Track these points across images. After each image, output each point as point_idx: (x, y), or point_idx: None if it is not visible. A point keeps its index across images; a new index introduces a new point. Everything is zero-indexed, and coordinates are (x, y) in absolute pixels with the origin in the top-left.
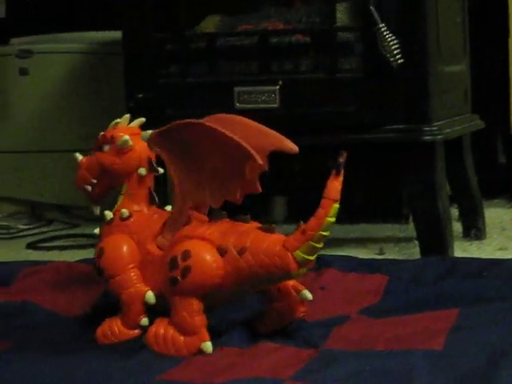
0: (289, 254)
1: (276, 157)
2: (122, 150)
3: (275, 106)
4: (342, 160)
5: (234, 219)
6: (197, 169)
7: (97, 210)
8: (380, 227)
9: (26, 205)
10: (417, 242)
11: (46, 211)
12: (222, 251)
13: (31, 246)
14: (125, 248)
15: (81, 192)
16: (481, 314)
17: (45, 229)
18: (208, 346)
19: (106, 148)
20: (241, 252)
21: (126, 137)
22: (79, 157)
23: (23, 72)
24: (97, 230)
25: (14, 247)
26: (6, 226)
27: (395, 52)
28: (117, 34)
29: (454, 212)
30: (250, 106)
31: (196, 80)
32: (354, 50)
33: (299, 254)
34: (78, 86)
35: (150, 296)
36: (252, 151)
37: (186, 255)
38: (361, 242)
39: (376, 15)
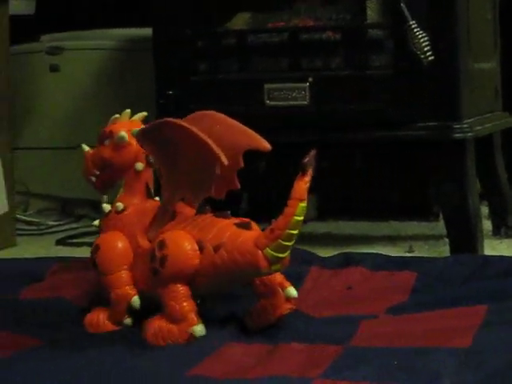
0: (259, 251)
1: (305, 155)
2: (120, 144)
3: (305, 103)
4: (306, 160)
5: (216, 214)
6: (178, 165)
7: (104, 200)
8: (409, 225)
9: (56, 201)
10: (446, 240)
11: (75, 207)
12: (200, 247)
13: (61, 242)
14: (119, 248)
15: (87, 182)
16: (509, 311)
17: (75, 225)
18: (197, 329)
19: (107, 142)
20: (216, 248)
21: (123, 133)
22: (85, 148)
23: (53, 68)
24: (96, 222)
25: (43, 243)
26: (36, 222)
27: (426, 49)
28: (147, 31)
29: (484, 210)
30: (280, 103)
31: (226, 77)
32: (384, 47)
33: (269, 251)
34: (108, 83)
35: (136, 301)
36: (217, 151)
37: (162, 245)
38: (390, 239)
39: (407, 12)
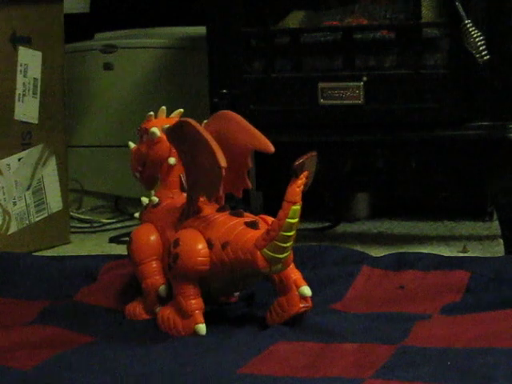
0: (258, 251)
1: (359, 154)
2: (153, 140)
3: (359, 102)
4: (297, 164)
5: (231, 213)
6: (195, 164)
7: (152, 195)
8: (464, 225)
9: (110, 199)
10: (501, 241)
11: (128, 205)
12: (209, 244)
13: (114, 239)
14: (150, 240)
15: (135, 178)
16: None
17: (128, 223)
18: (201, 328)
19: (144, 138)
20: (224, 246)
21: (154, 128)
22: (131, 145)
23: (107, 67)
24: (137, 214)
25: (97, 241)
26: (89, 220)
27: (481, 48)
28: (201, 29)
29: None
30: (333, 101)
31: (280, 75)
32: (439, 46)
33: (266, 252)
34: (162, 81)
35: (162, 290)
36: (216, 153)
37: (176, 243)
38: (444, 239)
39: (462, 11)
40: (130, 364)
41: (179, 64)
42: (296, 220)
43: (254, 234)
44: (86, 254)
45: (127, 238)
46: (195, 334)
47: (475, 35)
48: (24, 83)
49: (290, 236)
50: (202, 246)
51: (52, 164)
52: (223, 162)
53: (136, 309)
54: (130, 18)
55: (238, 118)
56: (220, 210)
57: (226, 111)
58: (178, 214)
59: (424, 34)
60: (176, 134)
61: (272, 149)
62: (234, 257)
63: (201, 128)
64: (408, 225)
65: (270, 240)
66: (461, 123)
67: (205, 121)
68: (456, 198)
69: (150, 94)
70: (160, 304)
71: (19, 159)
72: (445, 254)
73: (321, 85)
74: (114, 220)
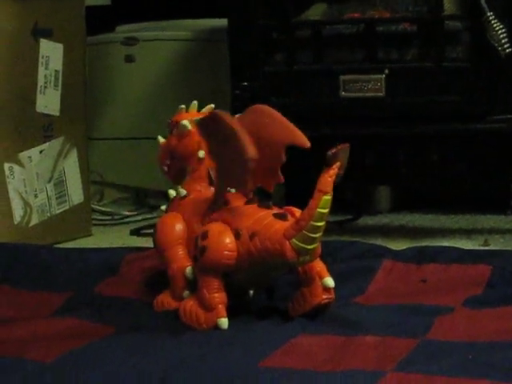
0: (287, 241)
1: (380, 146)
2: (183, 133)
3: (381, 94)
4: (331, 153)
5: (259, 205)
6: (223, 157)
7: (179, 190)
8: (485, 218)
9: (131, 191)
10: None
11: (150, 197)
12: (237, 234)
13: (135, 232)
14: (175, 226)
15: (163, 173)
16: None
17: (149, 215)
18: (223, 322)
19: (174, 132)
20: (252, 236)
21: (185, 121)
22: (160, 139)
23: (129, 59)
24: (163, 207)
25: (118, 233)
26: (110, 212)
27: (503, 41)
28: (222, 22)
29: None
30: (355, 94)
31: (301, 68)
32: (461, 39)
33: (295, 242)
34: (183, 73)
35: (189, 271)
36: (244, 144)
37: (204, 236)
38: (465, 233)
39: (484, 4)
40: (152, 356)
41: (200, 56)
42: (327, 210)
43: (282, 225)
44: (107, 246)
45: (149, 231)
46: (217, 327)
47: (497, 28)
48: (45, 75)
49: (319, 226)
50: (229, 240)
51: (73, 156)
52: (252, 154)
53: (164, 299)
54: (151, 11)
55: (273, 111)
56: (248, 202)
57: (261, 105)
58: (206, 206)
59: (446, 27)
60: (207, 125)
61: (307, 144)
62: (262, 247)
63: (231, 120)
64: (429, 218)
65: (300, 230)
66: (483, 116)
67: (237, 114)
68: (478, 191)
69: (172, 87)
70: (188, 289)
71: (41, 151)
72: (466, 248)
73: (342, 77)
74: (135, 212)
